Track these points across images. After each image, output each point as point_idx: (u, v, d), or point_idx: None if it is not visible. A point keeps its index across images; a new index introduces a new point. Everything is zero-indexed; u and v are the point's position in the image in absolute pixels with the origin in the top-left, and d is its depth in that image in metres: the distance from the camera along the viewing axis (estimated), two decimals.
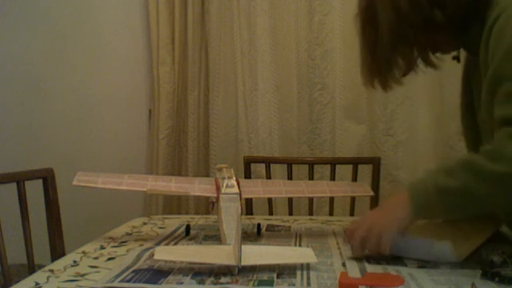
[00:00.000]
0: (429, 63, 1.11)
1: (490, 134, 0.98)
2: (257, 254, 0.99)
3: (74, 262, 1.04)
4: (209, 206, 1.24)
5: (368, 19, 1.10)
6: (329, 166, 1.91)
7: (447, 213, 0.98)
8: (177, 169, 2.45)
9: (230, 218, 1.09)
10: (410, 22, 1.04)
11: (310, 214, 1.86)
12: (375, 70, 1.12)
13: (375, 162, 1.89)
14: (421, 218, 1.01)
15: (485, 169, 0.90)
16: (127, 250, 1.11)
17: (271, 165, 1.94)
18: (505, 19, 0.94)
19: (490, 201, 0.94)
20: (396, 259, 1.00)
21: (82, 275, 0.94)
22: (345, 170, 1.97)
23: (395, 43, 1.07)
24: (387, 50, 1.08)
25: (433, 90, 2.13)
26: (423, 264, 0.97)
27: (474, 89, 1.12)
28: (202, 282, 0.87)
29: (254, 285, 0.86)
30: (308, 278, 0.89)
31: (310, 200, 1.90)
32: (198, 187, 1.26)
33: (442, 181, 0.95)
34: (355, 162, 1.89)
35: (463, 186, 0.92)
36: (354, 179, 1.86)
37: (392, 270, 0.94)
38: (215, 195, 1.20)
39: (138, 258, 1.03)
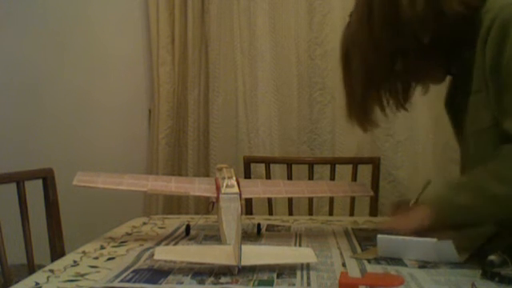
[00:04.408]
0: (401, 105, 1.16)
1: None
2: (257, 253, 0.99)
3: (74, 261, 1.04)
4: (209, 206, 1.24)
5: (345, 65, 1.15)
6: (329, 166, 1.91)
7: (465, 224, 1.02)
8: (177, 169, 2.45)
9: (230, 218, 1.09)
10: (378, 72, 1.09)
11: (310, 214, 1.86)
12: (351, 112, 1.17)
13: (375, 162, 1.89)
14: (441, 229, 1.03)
15: (489, 190, 0.95)
16: (127, 250, 1.11)
17: (271, 165, 1.94)
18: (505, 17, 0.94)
19: (498, 217, 1.00)
20: (396, 259, 1.00)
21: (82, 275, 0.94)
22: (345, 170, 1.97)
23: (366, 91, 1.12)
24: (358, 96, 1.13)
25: (433, 89, 2.12)
26: (423, 264, 0.97)
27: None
28: (201, 282, 0.87)
29: (253, 285, 0.86)
30: (308, 278, 0.89)
31: (310, 200, 1.90)
32: (198, 187, 1.26)
33: (455, 197, 1.00)
34: (355, 162, 1.89)
35: (473, 204, 0.98)
36: (354, 179, 1.86)
37: (392, 270, 0.94)
38: (215, 195, 1.20)
39: (138, 258, 1.03)
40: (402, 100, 1.16)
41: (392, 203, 1.31)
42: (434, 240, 0.98)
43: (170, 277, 0.90)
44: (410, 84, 1.16)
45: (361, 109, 1.15)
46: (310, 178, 1.89)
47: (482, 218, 1.00)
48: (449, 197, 1.03)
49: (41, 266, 1.02)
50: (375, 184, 1.86)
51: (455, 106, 1.16)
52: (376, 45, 1.06)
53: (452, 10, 0.99)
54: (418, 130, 2.17)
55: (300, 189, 1.34)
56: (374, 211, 1.84)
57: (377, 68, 1.08)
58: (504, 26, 0.94)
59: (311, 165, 1.91)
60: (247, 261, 0.90)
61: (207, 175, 2.35)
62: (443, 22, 1.00)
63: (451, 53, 1.07)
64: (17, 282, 0.90)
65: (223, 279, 0.88)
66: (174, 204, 2.41)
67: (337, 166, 1.91)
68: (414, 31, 1.01)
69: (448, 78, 1.18)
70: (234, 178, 1.23)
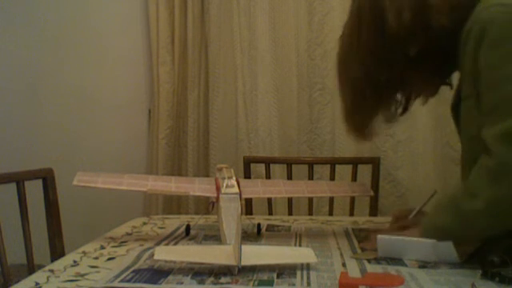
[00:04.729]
0: (390, 119, 1.16)
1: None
2: (257, 254, 0.99)
3: (74, 261, 1.04)
4: (209, 206, 1.24)
5: (339, 74, 1.15)
6: (328, 166, 1.91)
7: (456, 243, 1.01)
8: (177, 169, 2.45)
9: (230, 218, 1.09)
10: (367, 83, 1.08)
11: (310, 214, 1.86)
12: (347, 120, 1.17)
13: (375, 162, 1.89)
14: None
15: (462, 207, 0.94)
16: (127, 250, 1.11)
17: (271, 165, 1.94)
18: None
19: (477, 234, 0.98)
20: (396, 259, 1.00)
21: (82, 275, 0.94)
22: (344, 170, 1.97)
23: (356, 100, 1.12)
24: (350, 104, 1.14)
25: None
26: (423, 264, 0.97)
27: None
28: (201, 282, 0.87)
29: (253, 285, 0.86)
30: (308, 278, 0.89)
31: (310, 200, 1.90)
32: (198, 187, 1.26)
33: (437, 219, 1.01)
34: (355, 162, 1.89)
35: (451, 224, 0.97)
36: (354, 179, 1.86)
37: (392, 269, 0.94)
38: (215, 195, 1.20)
39: (138, 258, 1.03)
40: (400, 111, 1.16)
41: (393, 213, 1.29)
42: (434, 240, 0.98)
43: (170, 277, 0.90)
44: (406, 95, 1.16)
45: (356, 116, 1.15)
46: (310, 178, 1.89)
47: (463, 238, 0.98)
48: (432, 219, 1.03)
49: (41, 266, 1.02)
50: (375, 184, 1.86)
51: (459, 111, 1.16)
52: (363, 56, 1.06)
53: (440, 25, 0.98)
54: (418, 130, 2.17)
55: (300, 189, 1.34)
56: (373, 211, 1.84)
57: (366, 78, 1.08)
58: (481, 29, 0.92)
59: (311, 165, 1.91)
60: (247, 261, 0.90)
61: (207, 175, 2.35)
62: (431, 36, 1.00)
63: (444, 62, 1.06)
64: (17, 282, 0.90)
65: (223, 279, 0.88)
66: (173, 204, 2.41)
67: (337, 166, 1.91)
68: (400, 44, 1.01)
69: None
70: (234, 178, 1.23)
